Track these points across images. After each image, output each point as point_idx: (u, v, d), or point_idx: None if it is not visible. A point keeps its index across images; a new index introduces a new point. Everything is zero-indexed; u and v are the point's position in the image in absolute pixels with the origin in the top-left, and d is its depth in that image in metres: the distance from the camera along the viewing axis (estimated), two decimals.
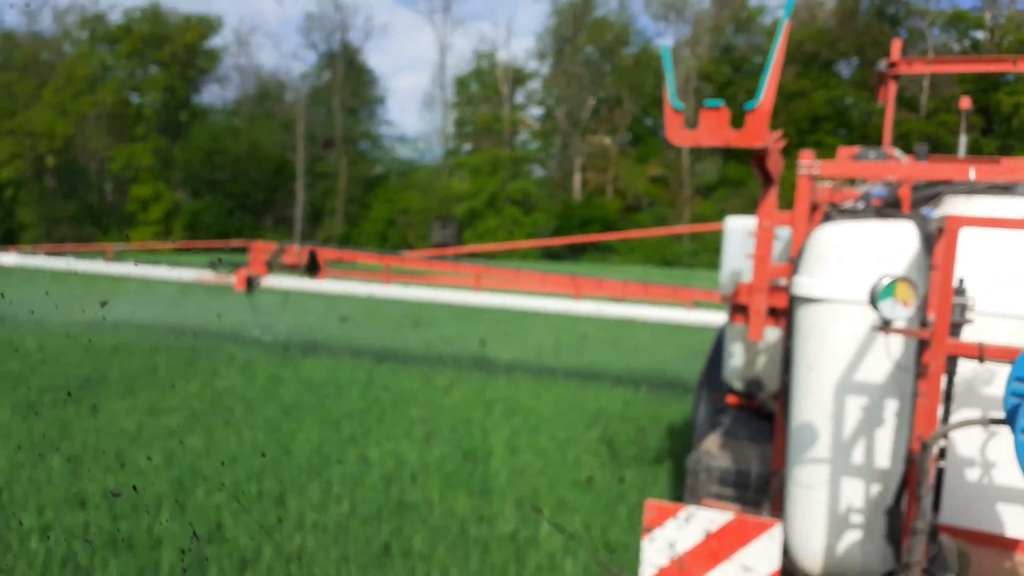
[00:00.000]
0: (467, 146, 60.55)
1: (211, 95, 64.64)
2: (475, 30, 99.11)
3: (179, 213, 54.97)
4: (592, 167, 56.65)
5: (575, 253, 45.97)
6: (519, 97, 61.23)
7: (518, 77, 60.62)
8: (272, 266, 9.74)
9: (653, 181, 53.53)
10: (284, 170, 57.60)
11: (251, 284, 9.76)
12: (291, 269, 9.89)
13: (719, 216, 5.13)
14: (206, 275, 10.23)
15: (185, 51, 56.96)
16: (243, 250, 10.20)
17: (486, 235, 50.20)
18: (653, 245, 44.65)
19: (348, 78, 59.21)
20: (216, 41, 61.49)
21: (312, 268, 9.62)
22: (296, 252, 9.79)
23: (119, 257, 11.63)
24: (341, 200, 57.81)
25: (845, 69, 52.23)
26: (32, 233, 50.77)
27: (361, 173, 59.36)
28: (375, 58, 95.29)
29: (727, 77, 52.77)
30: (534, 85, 61.35)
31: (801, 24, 50.33)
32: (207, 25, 58.22)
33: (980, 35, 46.34)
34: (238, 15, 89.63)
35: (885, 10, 50.06)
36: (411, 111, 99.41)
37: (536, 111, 61.46)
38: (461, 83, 61.67)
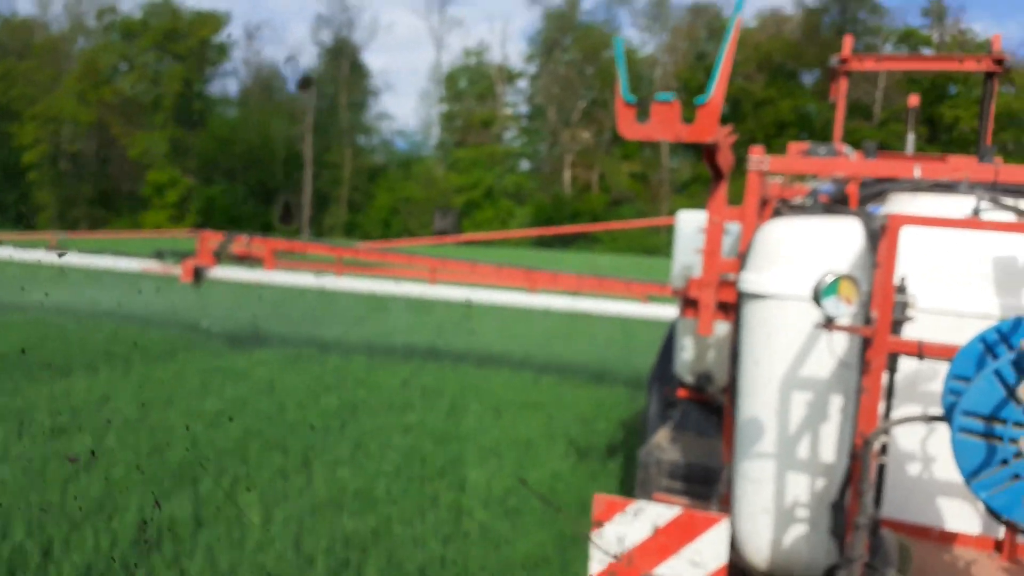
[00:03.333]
0: (455, 140, 64.67)
1: (220, 86, 69.92)
2: (474, 32, 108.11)
3: (193, 198, 58.01)
4: (580, 164, 61.40)
5: (564, 243, 49.20)
6: (509, 95, 66.42)
7: (508, 76, 65.78)
8: (220, 256, 9.56)
9: (634, 178, 59.00)
10: (293, 159, 60.71)
11: (198, 275, 9.56)
12: (240, 260, 9.72)
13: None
14: (152, 265, 10.01)
15: (200, 45, 61.06)
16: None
17: (483, 224, 54.49)
18: (635, 236, 48.18)
19: (352, 74, 63.46)
20: (224, 35, 64.73)
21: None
22: (245, 242, 9.62)
23: (63, 247, 11.35)
24: (346, 189, 61.50)
25: (808, 79, 57.71)
26: (48, 214, 54.71)
27: (364, 164, 63.28)
28: (376, 54, 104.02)
29: (701, 82, 54.52)
30: (522, 84, 66.92)
31: (769, 37, 56.31)
32: (218, 20, 61.90)
33: (928, 52, 52.22)
34: (240, 9, 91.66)
35: (845, 27, 54.16)
36: (408, 106, 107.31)
37: (523, 109, 66.75)
38: (451, 78, 66.12)
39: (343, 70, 63.26)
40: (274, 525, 5.18)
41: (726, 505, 3.49)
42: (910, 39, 53.27)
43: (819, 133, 51.25)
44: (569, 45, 63.82)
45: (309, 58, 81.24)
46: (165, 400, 8.20)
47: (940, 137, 46.51)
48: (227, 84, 70.28)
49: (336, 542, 5.02)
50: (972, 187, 3.18)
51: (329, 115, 63.10)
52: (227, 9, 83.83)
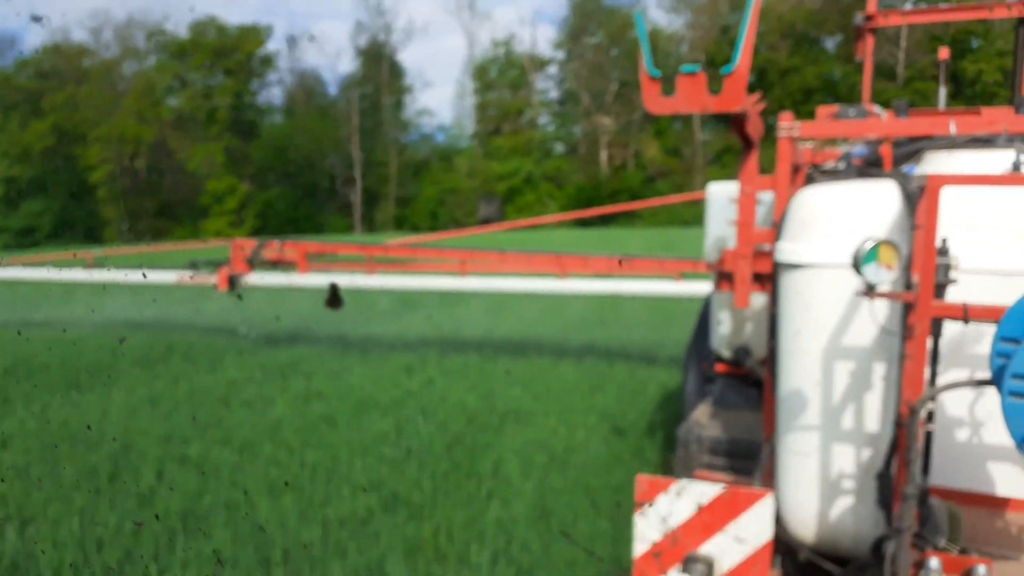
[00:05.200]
0: (490, 129, 67.60)
1: (266, 96, 72.48)
2: (502, 22, 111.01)
3: (251, 204, 61.92)
4: (615, 143, 63.82)
5: (604, 221, 50.56)
6: (540, 82, 69.28)
7: (538, 63, 68.65)
8: (254, 263, 9.62)
9: (668, 153, 61.47)
10: (342, 160, 65.34)
11: (233, 283, 9.64)
12: (273, 265, 9.77)
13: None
14: (186, 276, 10.10)
15: (247, 58, 65.72)
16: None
17: (525, 209, 56.67)
18: (672, 210, 49.01)
19: (392, 76, 67.86)
20: (269, 47, 71.20)
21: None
22: (277, 248, 9.68)
23: (99, 264, 11.47)
24: (393, 185, 65.49)
25: (831, 44, 59.02)
26: (114, 228, 58.88)
27: (408, 160, 67.50)
28: (412, 53, 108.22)
29: (727, 56, 56.22)
30: (552, 70, 69.54)
31: (791, 7, 57.12)
32: (260, 34, 66.62)
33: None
34: (279, 19, 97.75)
35: None
36: (439, 97, 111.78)
37: (554, 94, 69.63)
38: (481, 69, 69.29)
39: (383, 72, 67.19)
40: None
41: (768, 480, 3.43)
42: None
43: (845, 97, 52.04)
44: (596, 29, 65.51)
45: (349, 62, 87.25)
46: None
47: (964, 92, 46.60)
48: (272, 93, 75.23)
49: None
50: (1011, 139, 3.08)
51: (372, 116, 67.18)
52: (268, 22, 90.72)
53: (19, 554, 4.74)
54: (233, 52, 64.73)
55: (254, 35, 66.01)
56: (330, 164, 65.93)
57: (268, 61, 68.62)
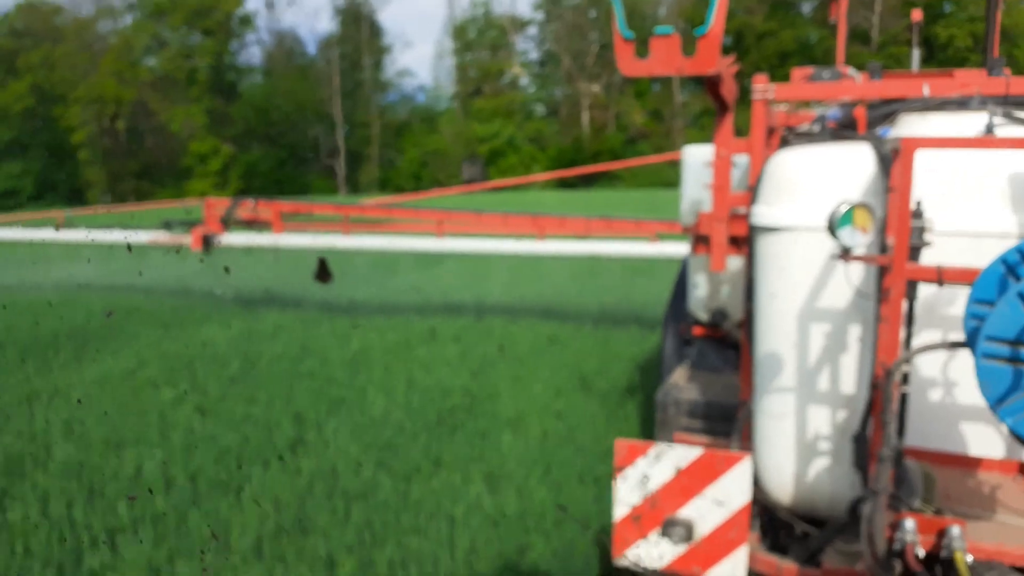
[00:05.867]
0: (471, 90, 68.69)
1: (246, 56, 73.44)
2: None
3: (235, 165, 62.16)
4: (596, 105, 65.27)
5: (587, 182, 52.04)
6: (520, 43, 70.70)
7: (518, 24, 69.86)
8: (228, 223, 9.54)
9: (648, 114, 63.15)
10: (323, 121, 66.01)
11: (208, 243, 9.55)
12: (248, 224, 9.69)
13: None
14: (161, 236, 10.00)
15: (226, 18, 65.60)
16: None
17: (508, 171, 58.16)
18: (653, 171, 50.35)
19: (371, 36, 68.35)
20: (247, 6, 71.71)
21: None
22: (251, 206, 9.58)
23: (70, 223, 11.34)
24: (376, 146, 66.45)
25: (807, 8, 61.16)
26: (97, 190, 59.41)
27: (391, 121, 67.92)
28: (390, 12, 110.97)
29: (703, 19, 58.08)
30: (532, 31, 71.10)
31: None
32: None
33: None
34: None
35: None
36: (418, 56, 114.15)
37: (534, 56, 71.20)
38: (460, 29, 70.10)
39: (363, 32, 67.66)
40: None
41: (746, 442, 3.47)
42: None
43: (821, 60, 54.02)
44: None
45: (327, 22, 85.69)
46: None
47: (936, 56, 48.18)
48: (251, 53, 76.11)
49: None
50: (984, 102, 3.08)
51: (353, 76, 67.77)
52: None
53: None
54: (212, 12, 64.49)
55: None
56: (312, 125, 66.11)
57: (247, 20, 68.44)
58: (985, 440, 2.89)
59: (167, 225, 10.23)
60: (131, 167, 61.84)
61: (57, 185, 59.09)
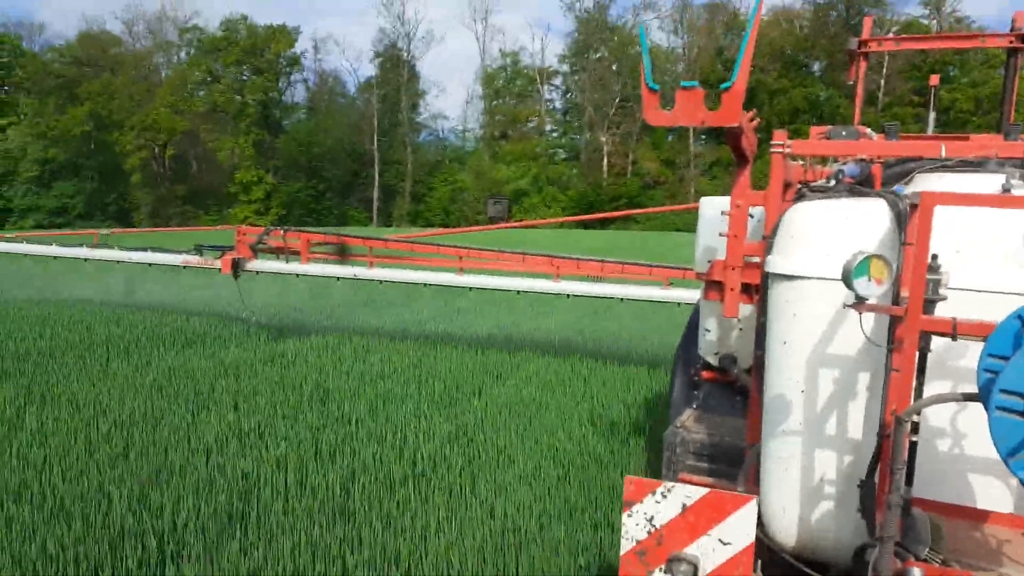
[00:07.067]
0: (497, 133, 74.92)
1: (291, 94, 78.75)
2: (510, 32, 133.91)
3: (276, 194, 67.69)
4: (616, 152, 70.32)
5: (604, 224, 55.71)
6: (547, 93, 77.17)
7: (546, 75, 75.97)
8: (257, 250, 9.70)
9: (663, 163, 67.59)
10: (362, 158, 72.61)
11: (236, 267, 9.73)
12: (276, 252, 9.86)
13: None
14: (192, 259, 10.18)
15: (276, 58, 72.50)
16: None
17: (531, 210, 62.83)
18: (665, 216, 53.64)
19: (409, 80, 75.34)
20: (296, 48, 75.85)
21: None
22: (281, 235, 9.77)
23: (104, 242, 11.51)
24: (408, 182, 72.24)
25: (817, 68, 65.85)
26: (143, 212, 64.90)
27: (422, 160, 74.42)
28: (428, 59, 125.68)
29: (720, 75, 64.99)
30: (557, 81, 77.49)
31: (782, 32, 64.06)
32: (290, 35, 73.03)
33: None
34: (306, 20, 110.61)
35: (850, 20, 61.84)
36: (451, 100, 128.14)
37: (558, 105, 77.94)
38: (489, 77, 76.36)
39: (402, 76, 74.56)
40: None
41: (751, 485, 3.51)
42: (911, 29, 58.73)
43: (829, 118, 56.09)
44: (600, 45, 72.64)
45: (369, 66, 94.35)
46: None
47: (939, 118, 50.24)
48: (297, 91, 79.94)
49: None
50: (1001, 164, 3.17)
51: (390, 116, 73.90)
52: (296, 24, 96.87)
53: None
54: (263, 51, 70.62)
55: (284, 36, 71.62)
56: (350, 161, 71.57)
57: (296, 61, 74.63)
58: (993, 493, 2.93)
59: (199, 249, 10.43)
60: (178, 192, 67.18)
61: (107, 206, 63.14)
